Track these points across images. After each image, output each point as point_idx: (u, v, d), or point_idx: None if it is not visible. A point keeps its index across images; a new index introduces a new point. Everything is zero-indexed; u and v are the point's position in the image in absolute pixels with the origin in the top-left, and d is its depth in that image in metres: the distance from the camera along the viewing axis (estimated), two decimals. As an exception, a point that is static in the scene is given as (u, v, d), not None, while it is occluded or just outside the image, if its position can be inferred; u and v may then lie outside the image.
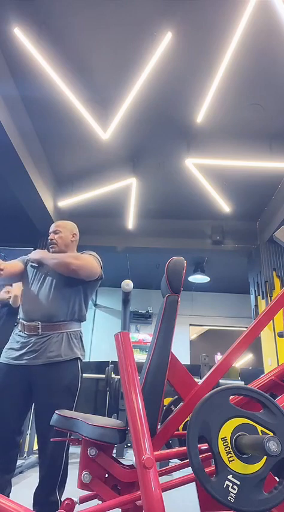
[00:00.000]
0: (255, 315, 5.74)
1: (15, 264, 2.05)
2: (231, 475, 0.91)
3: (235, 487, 0.90)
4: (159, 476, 0.99)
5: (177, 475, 1.26)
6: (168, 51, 3.30)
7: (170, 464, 1.44)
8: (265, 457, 0.93)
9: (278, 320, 4.61)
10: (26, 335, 1.82)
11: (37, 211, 5.07)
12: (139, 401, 1.06)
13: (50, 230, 2.13)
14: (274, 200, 5.29)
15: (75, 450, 2.63)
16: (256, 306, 5.70)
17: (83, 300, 1.98)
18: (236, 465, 0.92)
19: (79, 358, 1.85)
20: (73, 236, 2.15)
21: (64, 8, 3.07)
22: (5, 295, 3.70)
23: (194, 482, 1.20)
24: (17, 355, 1.78)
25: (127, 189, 5.07)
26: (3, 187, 4.84)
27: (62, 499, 1.61)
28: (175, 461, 1.31)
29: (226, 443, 0.94)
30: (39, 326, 1.81)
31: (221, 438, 0.94)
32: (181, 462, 1.27)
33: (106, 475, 1.17)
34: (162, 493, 0.95)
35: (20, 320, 1.90)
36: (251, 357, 10.44)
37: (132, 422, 1.02)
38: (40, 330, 1.81)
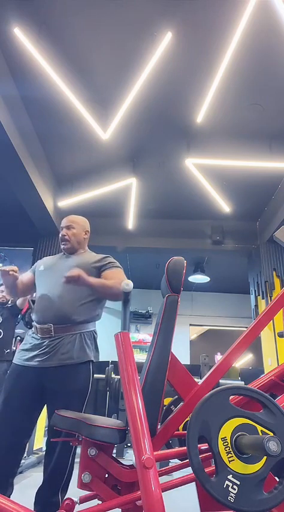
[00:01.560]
0: (255, 315, 5.74)
1: (28, 276, 2.05)
2: (231, 475, 0.91)
3: (235, 487, 0.90)
4: (159, 476, 0.99)
5: (177, 475, 1.26)
6: (168, 51, 3.29)
7: (170, 464, 1.44)
8: (265, 457, 0.93)
9: (278, 320, 4.61)
10: (39, 337, 1.81)
11: (37, 211, 5.06)
12: (139, 401, 1.06)
13: (62, 225, 2.06)
14: (274, 200, 5.29)
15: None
16: (256, 306, 5.69)
17: (96, 299, 1.92)
18: (236, 465, 0.92)
19: (92, 360, 1.83)
20: (85, 233, 2.12)
21: (64, 8, 3.07)
22: None
23: (194, 482, 1.20)
24: (29, 357, 1.78)
25: (127, 189, 5.07)
26: (3, 187, 4.83)
27: (63, 501, 1.61)
28: (175, 461, 1.31)
29: (226, 443, 0.93)
30: (52, 328, 1.79)
31: (221, 438, 0.94)
32: (181, 462, 1.27)
33: (106, 475, 1.17)
34: (162, 493, 0.95)
35: (33, 323, 1.89)
36: (251, 357, 10.44)
37: (132, 422, 1.02)
38: (53, 332, 1.79)
